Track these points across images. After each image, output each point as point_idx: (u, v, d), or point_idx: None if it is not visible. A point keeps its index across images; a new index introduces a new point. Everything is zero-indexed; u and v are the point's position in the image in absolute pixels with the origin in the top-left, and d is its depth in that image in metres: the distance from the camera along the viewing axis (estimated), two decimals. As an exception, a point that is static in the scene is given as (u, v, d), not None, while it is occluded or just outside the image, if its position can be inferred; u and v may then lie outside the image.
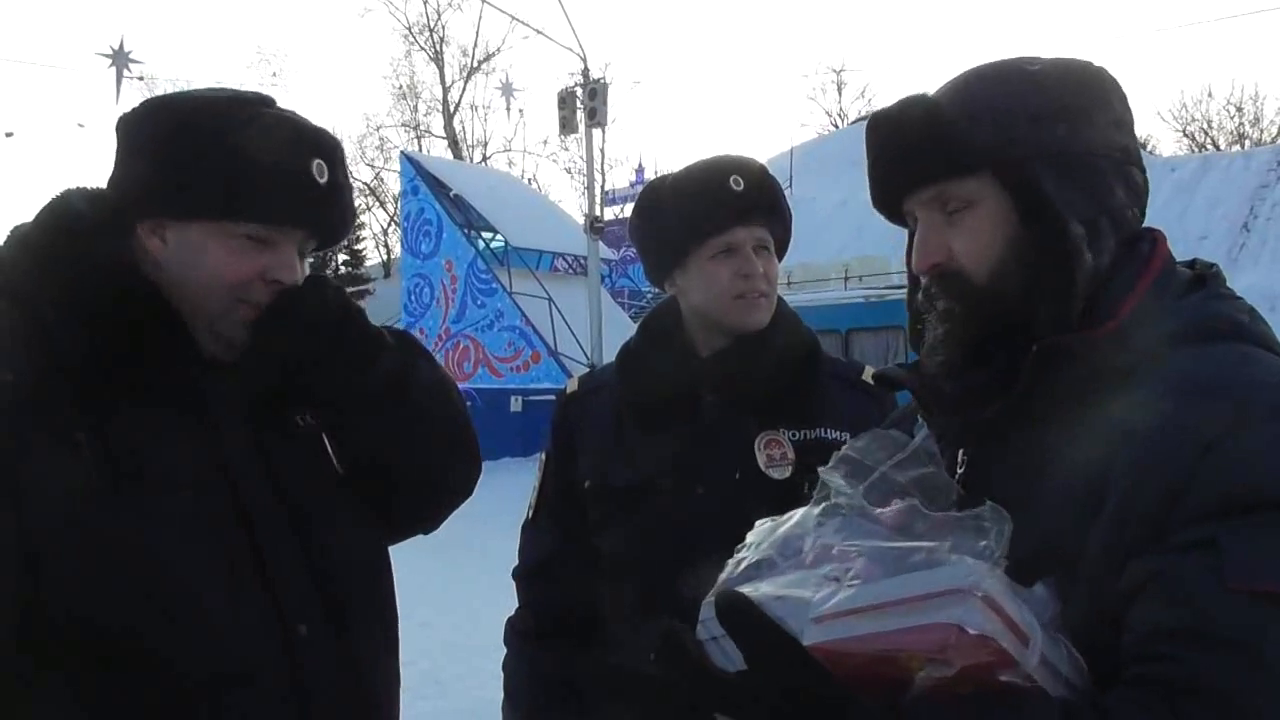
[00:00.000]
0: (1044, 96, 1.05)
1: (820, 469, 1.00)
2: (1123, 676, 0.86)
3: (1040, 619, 0.86)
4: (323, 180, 1.29)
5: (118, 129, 1.32)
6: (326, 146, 1.31)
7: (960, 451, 1.10)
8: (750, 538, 0.98)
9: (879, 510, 0.93)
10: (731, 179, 1.79)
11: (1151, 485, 0.89)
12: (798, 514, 0.97)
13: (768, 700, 0.83)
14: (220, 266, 1.27)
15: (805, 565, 0.89)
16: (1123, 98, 1.10)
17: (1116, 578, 0.89)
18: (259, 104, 1.31)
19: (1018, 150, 1.04)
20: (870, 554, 0.86)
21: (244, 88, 1.38)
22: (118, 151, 1.32)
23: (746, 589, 0.88)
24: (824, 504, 0.96)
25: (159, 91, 1.25)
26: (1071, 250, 1.03)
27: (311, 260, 1.42)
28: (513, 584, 2.01)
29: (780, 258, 1.88)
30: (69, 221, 1.28)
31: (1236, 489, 0.86)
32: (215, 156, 1.24)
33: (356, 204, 1.46)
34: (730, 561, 0.96)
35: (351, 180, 1.37)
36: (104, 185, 1.33)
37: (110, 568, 1.14)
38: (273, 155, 1.25)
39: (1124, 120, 1.09)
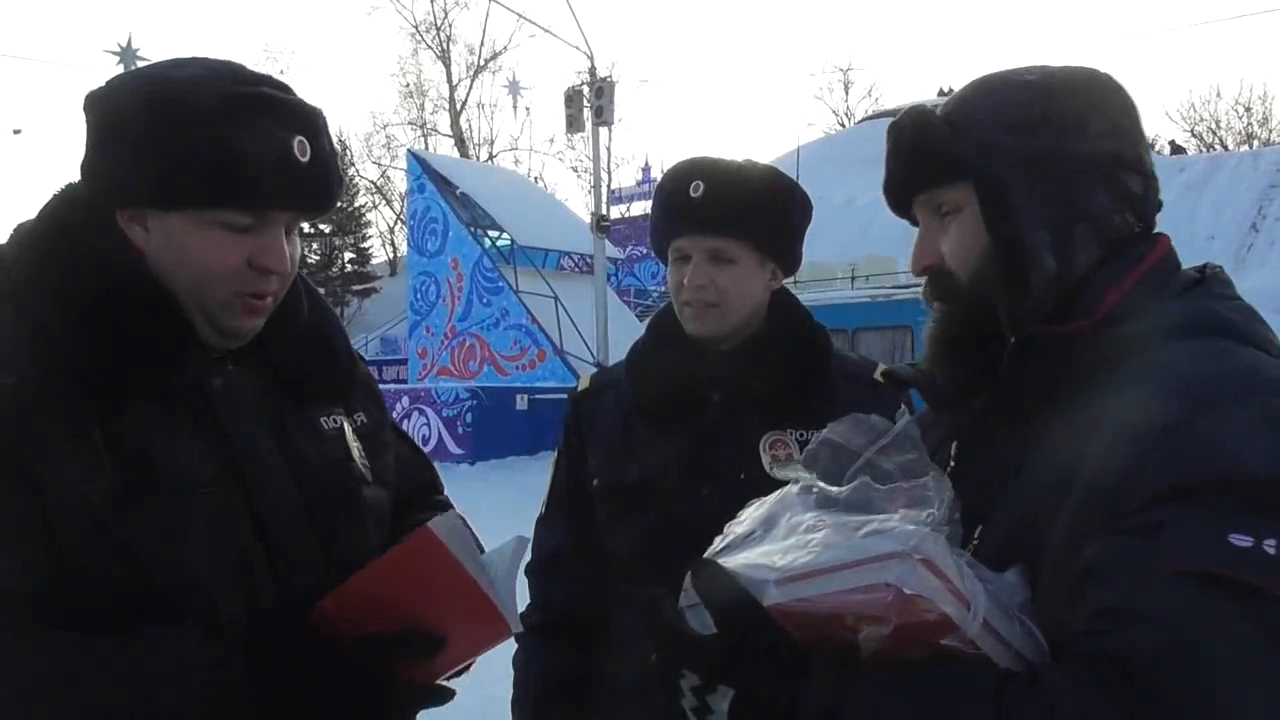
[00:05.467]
0: (1028, 106, 1.09)
1: (775, 456, 1.03)
2: (1068, 653, 0.90)
3: (1010, 603, 0.92)
4: (305, 159, 1.24)
5: (88, 109, 1.25)
6: (307, 121, 1.26)
7: (953, 445, 1.15)
8: (741, 515, 1.06)
9: (836, 489, 1.00)
10: (692, 185, 1.74)
11: (1111, 471, 0.92)
12: (781, 493, 1.05)
13: (731, 659, 0.91)
14: (204, 258, 1.22)
15: (779, 538, 0.97)
16: (1123, 105, 1.12)
17: (1075, 561, 0.92)
18: (235, 82, 1.23)
19: (994, 159, 1.08)
20: (834, 526, 0.94)
21: (229, 59, 1.29)
22: (90, 133, 1.25)
23: (724, 559, 0.97)
24: (801, 484, 1.04)
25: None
26: (1025, 256, 1.07)
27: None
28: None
29: (788, 269, 1.84)
30: (65, 216, 1.26)
31: (1186, 473, 0.89)
32: (195, 145, 1.18)
33: (348, 184, 1.41)
34: (718, 537, 1.04)
35: (335, 146, 1.32)
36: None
37: (125, 569, 1.13)
38: (253, 142, 1.20)
39: (1121, 127, 1.10)
